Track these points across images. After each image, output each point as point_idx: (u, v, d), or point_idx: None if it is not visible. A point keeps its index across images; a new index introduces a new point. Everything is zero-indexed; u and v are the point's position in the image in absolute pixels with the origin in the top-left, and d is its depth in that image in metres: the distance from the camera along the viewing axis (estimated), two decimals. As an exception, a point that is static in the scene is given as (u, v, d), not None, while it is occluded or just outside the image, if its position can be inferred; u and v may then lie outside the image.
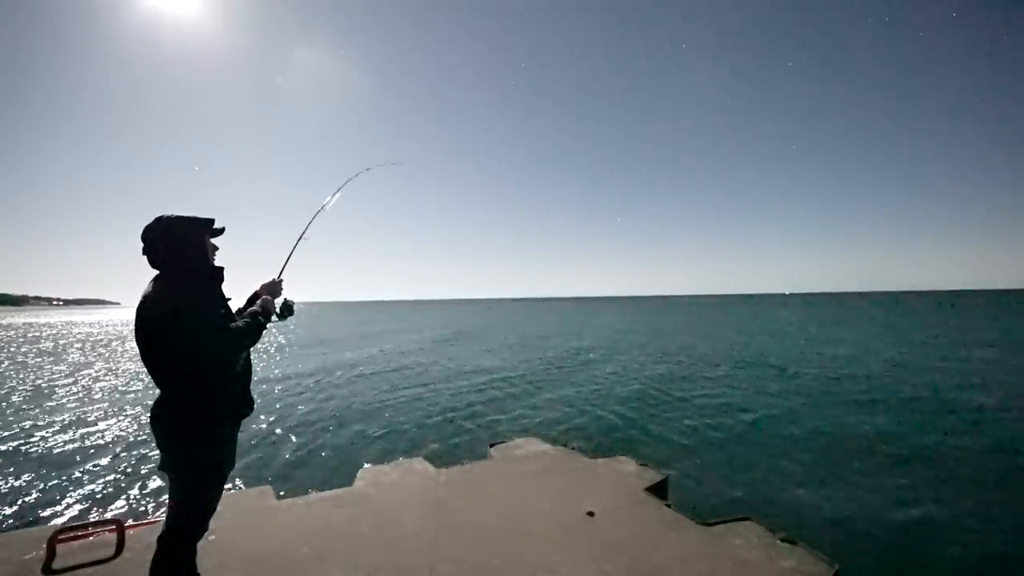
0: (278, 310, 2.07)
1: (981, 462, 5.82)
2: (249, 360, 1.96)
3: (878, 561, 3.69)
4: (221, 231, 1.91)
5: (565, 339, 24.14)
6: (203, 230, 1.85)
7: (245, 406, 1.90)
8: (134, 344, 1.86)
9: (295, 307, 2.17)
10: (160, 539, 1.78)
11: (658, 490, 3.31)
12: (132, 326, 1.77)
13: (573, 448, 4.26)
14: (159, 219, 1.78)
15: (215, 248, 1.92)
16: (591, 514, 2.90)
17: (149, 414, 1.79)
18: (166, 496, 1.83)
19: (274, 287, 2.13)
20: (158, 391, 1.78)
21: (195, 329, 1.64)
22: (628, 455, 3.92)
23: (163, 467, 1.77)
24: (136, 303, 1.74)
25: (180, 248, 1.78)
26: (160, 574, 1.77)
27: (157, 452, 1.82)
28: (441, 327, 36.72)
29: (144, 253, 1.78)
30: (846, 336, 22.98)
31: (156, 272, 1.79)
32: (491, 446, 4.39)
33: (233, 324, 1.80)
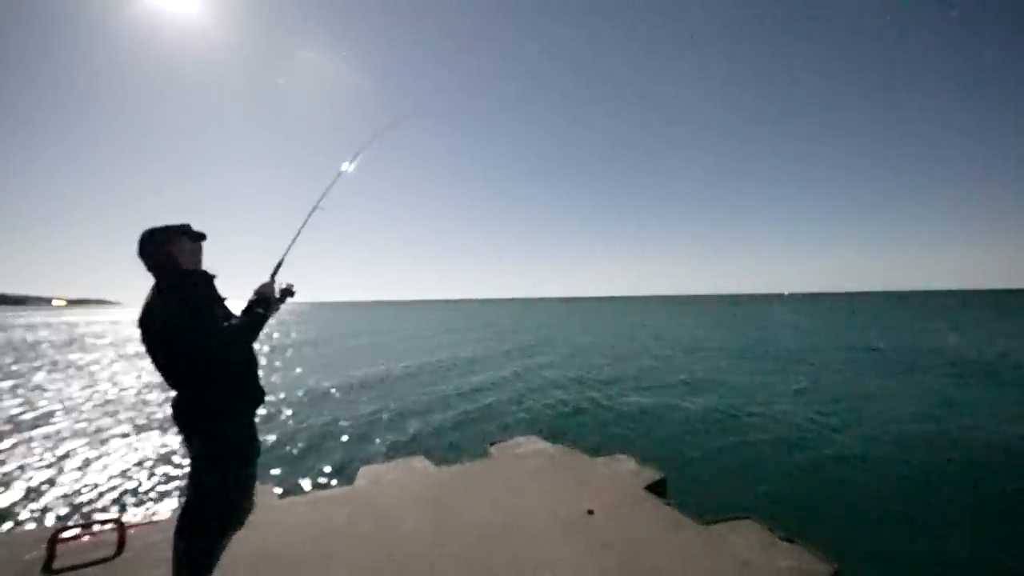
0: (277, 294, 2.04)
1: (986, 461, 5.80)
2: (253, 351, 2.01)
3: (878, 560, 3.68)
4: (201, 236, 1.96)
5: (564, 339, 24.14)
6: (180, 236, 1.89)
7: (257, 396, 1.99)
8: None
9: (294, 288, 2.10)
10: (187, 525, 1.85)
11: (658, 488, 3.31)
12: (134, 326, 1.82)
13: (573, 446, 4.25)
14: (146, 231, 1.86)
15: (197, 252, 1.96)
16: (591, 512, 2.90)
17: (171, 410, 1.87)
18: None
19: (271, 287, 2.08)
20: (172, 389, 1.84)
21: (188, 337, 1.72)
22: (628, 453, 3.92)
23: (192, 458, 1.86)
24: (136, 303, 1.78)
25: (159, 257, 1.84)
26: (195, 557, 1.85)
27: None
28: (438, 327, 36.73)
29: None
30: (849, 335, 22.95)
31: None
32: (491, 444, 4.40)
33: (228, 324, 1.84)
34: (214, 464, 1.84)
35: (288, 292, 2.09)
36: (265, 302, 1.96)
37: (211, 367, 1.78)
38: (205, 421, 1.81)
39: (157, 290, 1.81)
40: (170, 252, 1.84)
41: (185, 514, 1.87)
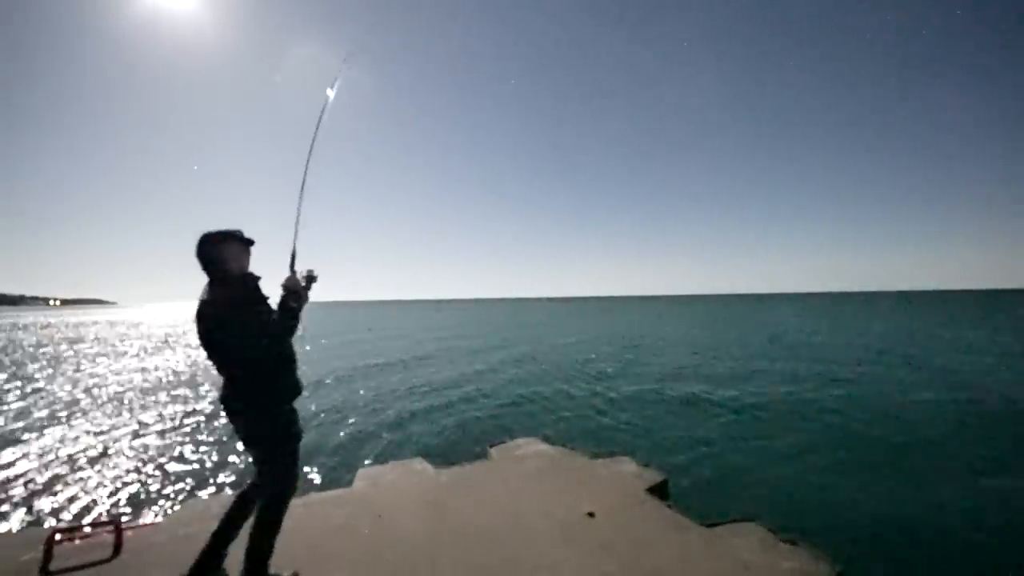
0: (303, 283, 2.16)
1: (988, 462, 5.79)
2: (292, 345, 2.20)
3: (881, 562, 3.67)
4: (250, 241, 2.14)
5: (563, 339, 24.13)
6: (229, 240, 2.09)
7: (295, 387, 2.19)
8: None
9: (315, 273, 2.22)
10: (265, 504, 2.13)
11: (659, 490, 3.30)
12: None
13: (573, 448, 4.24)
14: (203, 234, 2.06)
15: (244, 255, 2.13)
16: (591, 515, 2.89)
17: (221, 396, 2.09)
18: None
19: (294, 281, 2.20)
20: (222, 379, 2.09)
21: (235, 333, 1.94)
22: (629, 455, 3.91)
23: (247, 444, 2.14)
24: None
25: (210, 258, 2.05)
26: (268, 531, 2.14)
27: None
28: (434, 326, 36.69)
29: None
30: (851, 335, 22.99)
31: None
32: (491, 446, 4.39)
33: (269, 321, 2.06)
34: (269, 442, 2.09)
35: (312, 279, 2.19)
36: (295, 295, 2.10)
37: (257, 360, 1.99)
38: (253, 408, 2.04)
39: (210, 289, 2.03)
40: (220, 254, 2.05)
41: (265, 488, 2.13)
